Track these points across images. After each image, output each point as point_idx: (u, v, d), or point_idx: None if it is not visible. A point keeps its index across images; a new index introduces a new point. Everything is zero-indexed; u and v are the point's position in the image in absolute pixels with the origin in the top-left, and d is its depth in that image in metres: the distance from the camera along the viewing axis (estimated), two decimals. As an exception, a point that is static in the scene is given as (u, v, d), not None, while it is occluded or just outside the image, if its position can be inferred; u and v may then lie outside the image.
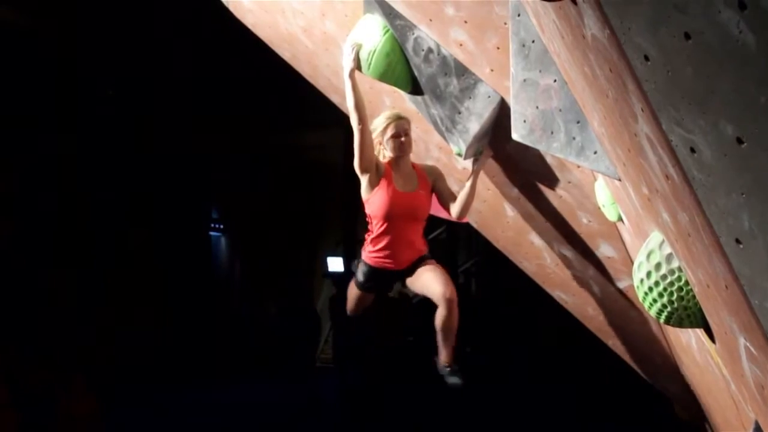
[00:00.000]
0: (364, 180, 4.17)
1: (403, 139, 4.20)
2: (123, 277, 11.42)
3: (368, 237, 4.32)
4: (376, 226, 4.25)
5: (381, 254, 4.29)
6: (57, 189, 10.48)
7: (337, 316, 11.68)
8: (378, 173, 4.17)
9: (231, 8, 5.34)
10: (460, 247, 15.02)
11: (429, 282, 4.22)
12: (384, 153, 4.21)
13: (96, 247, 11.02)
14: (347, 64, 3.99)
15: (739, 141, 1.41)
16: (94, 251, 10.98)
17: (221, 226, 15.13)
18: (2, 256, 9.41)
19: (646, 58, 1.59)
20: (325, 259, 15.55)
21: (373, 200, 4.18)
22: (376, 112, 4.73)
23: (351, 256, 15.62)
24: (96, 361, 9.85)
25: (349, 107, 4.02)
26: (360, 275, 4.43)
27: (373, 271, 4.36)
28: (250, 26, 5.39)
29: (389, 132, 4.17)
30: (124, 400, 9.16)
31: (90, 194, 11.02)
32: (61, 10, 9.86)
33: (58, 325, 9.79)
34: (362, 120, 4.00)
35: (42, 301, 9.83)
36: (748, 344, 1.91)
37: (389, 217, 4.19)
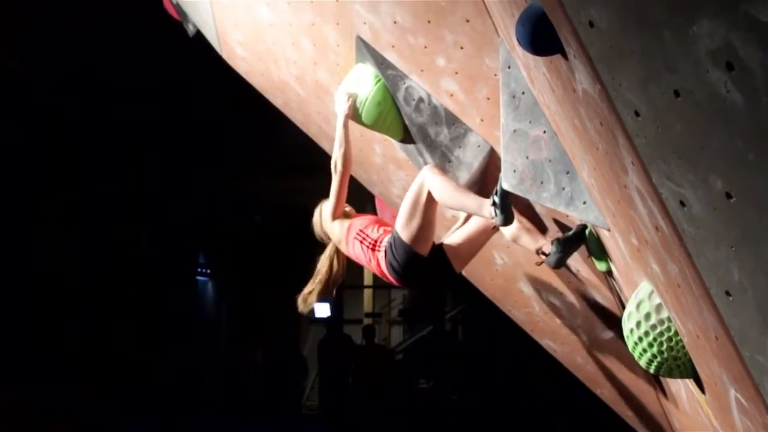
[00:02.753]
0: (336, 226, 4.12)
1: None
2: (109, 319, 11.32)
3: (385, 238, 3.89)
4: (379, 232, 3.96)
5: None
6: (49, 226, 10.47)
7: (324, 363, 11.61)
8: (347, 215, 4.19)
9: (224, 56, 5.39)
10: (447, 293, 15.04)
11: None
12: None
13: (83, 287, 10.95)
14: (341, 112, 4.03)
15: (728, 196, 1.44)
16: (81, 291, 10.91)
17: (208, 271, 15.08)
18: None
19: (637, 113, 1.63)
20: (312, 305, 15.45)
21: (356, 223, 4.07)
22: (367, 160, 4.78)
23: (338, 302, 15.60)
24: (83, 406, 9.77)
25: (337, 155, 4.02)
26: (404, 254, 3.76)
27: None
28: (242, 74, 5.44)
29: None
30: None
31: (77, 236, 10.98)
32: (53, 55, 9.93)
33: (43, 370, 9.70)
34: (346, 169, 4.04)
35: (27, 343, 9.75)
36: (738, 396, 1.93)
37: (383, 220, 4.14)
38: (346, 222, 4.11)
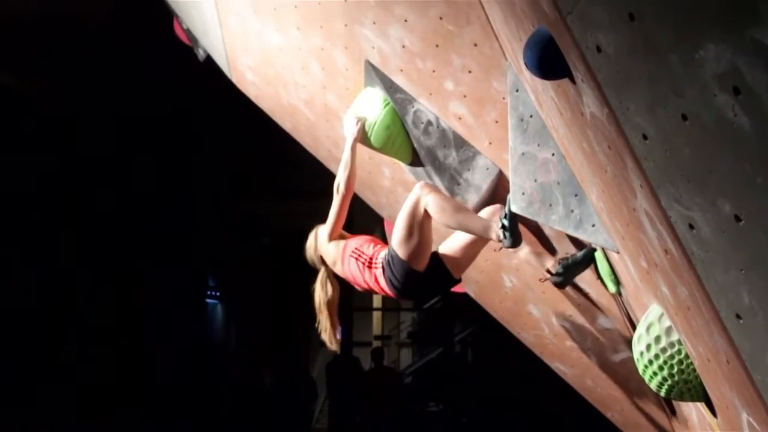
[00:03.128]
0: (331, 247, 4.11)
1: None
2: (119, 341, 11.32)
3: (380, 254, 3.87)
4: (374, 248, 3.96)
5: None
6: (55, 251, 10.48)
7: (333, 386, 11.57)
8: (342, 237, 4.17)
9: (234, 80, 5.43)
10: (456, 316, 15.01)
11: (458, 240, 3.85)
12: None
13: (94, 307, 10.97)
14: (350, 135, 4.04)
15: (737, 219, 1.44)
16: (92, 311, 10.93)
17: (218, 294, 15.10)
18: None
19: (645, 137, 1.64)
20: (321, 327, 15.45)
21: (352, 243, 4.06)
22: (376, 182, 4.80)
23: (347, 325, 15.58)
24: (87, 425, 9.75)
25: (342, 177, 4.01)
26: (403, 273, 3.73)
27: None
28: (252, 98, 5.48)
29: None
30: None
31: (91, 259, 11.01)
32: (59, 82, 10.01)
33: (49, 389, 9.69)
34: (348, 191, 4.02)
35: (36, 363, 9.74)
36: (750, 419, 1.92)
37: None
38: (342, 242, 4.10)
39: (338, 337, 4.29)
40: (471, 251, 3.83)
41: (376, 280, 3.88)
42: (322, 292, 4.23)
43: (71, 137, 10.61)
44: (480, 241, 3.79)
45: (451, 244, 3.84)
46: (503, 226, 3.37)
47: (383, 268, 3.79)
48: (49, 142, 10.27)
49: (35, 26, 8.26)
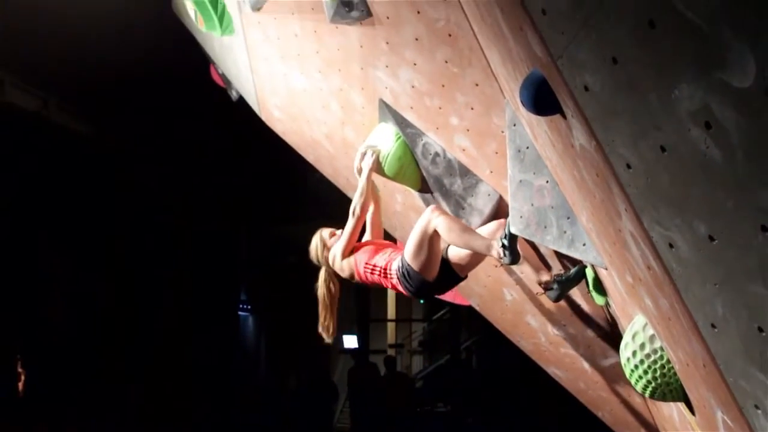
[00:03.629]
0: (344, 264, 4.09)
1: None
2: (160, 350, 11.31)
3: (392, 265, 3.86)
4: (384, 258, 3.95)
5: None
6: (105, 269, 10.51)
7: (353, 389, 11.54)
8: (351, 252, 4.15)
9: (263, 117, 5.46)
10: (462, 326, 14.97)
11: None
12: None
13: (139, 322, 10.98)
14: (366, 166, 4.05)
15: (711, 238, 1.45)
16: (139, 325, 10.94)
17: (249, 308, 15.11)
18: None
19: (629, 166, 1.65)
20: (341, 337, 15.45)
21: (360, 257, 4.03)
22: (390, 208, 4.81)
23: (364, 335, 15.55)
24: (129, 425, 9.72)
25: (358, 203, 4.02)
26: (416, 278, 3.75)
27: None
28: (279, 133, 5.50)
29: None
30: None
31: (132, 279, 11.03)
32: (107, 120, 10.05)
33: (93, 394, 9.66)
34: (363, 215, 4.04)
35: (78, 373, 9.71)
36: (725, 417, 1.91)
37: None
38: (351, 259, 4.08)
39: (334, 330, 4.31)
40: (476, 257, 3.84)
41: (394, 286, 3.91)
42: (325, 289, 4.24)
43: (120, 173, 10.66)
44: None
45: (458, 251, 3.84)
46: (503, 246, 3.38)
47: (399, 279, 3.81)
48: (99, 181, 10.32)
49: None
